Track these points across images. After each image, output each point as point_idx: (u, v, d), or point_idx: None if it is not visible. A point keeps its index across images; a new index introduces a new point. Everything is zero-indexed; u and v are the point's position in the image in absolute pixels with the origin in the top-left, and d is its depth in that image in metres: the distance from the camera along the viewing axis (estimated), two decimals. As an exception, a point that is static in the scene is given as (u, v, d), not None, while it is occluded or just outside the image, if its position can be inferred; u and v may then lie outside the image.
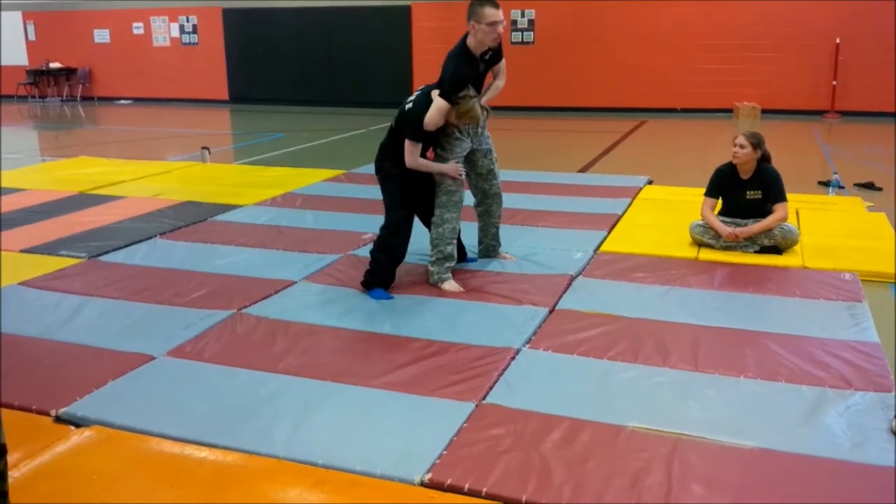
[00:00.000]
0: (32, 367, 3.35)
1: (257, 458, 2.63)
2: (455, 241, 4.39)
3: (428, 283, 4.38)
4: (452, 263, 4.39)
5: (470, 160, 4.53)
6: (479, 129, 4.45)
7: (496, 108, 4.59)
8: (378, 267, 4.27)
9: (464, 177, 4.42)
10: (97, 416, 2.91)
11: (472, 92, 4.18)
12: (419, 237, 4.49)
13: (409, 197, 4.30)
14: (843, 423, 2.81)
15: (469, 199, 4.63)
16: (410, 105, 4.19)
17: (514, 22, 14.05)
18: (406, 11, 14.71)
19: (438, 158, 4.33)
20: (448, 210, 4.34)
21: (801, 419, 2.86)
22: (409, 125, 4.16)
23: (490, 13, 4.11)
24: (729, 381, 3.19)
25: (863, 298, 4.12)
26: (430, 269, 4.38)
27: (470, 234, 4.86)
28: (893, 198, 6.63)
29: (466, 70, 4.19)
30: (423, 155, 4.26)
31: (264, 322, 3.86)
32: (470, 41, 4.22)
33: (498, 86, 4.52)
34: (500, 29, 4.19)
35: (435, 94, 4.15)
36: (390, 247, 4.29)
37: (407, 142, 4.17)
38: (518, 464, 2.57)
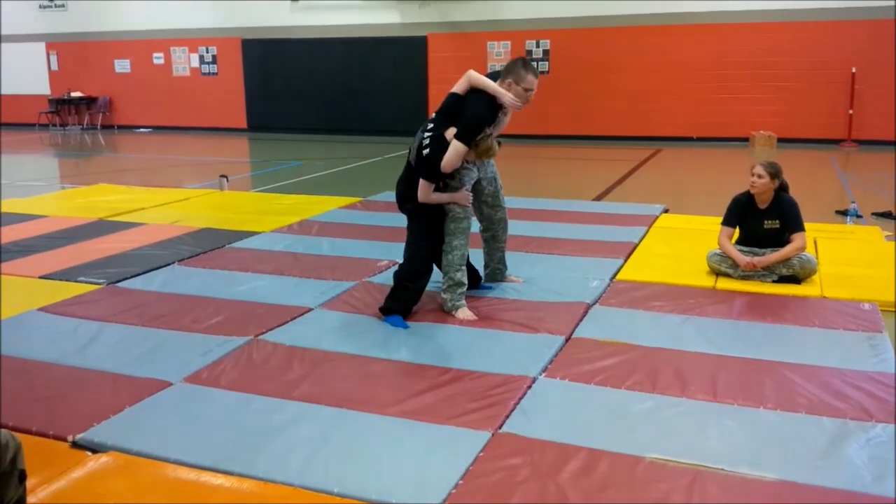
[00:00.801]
0: (50, 393, 3.36)
1: (273, 486, 2.63)
2: (465, 268, 4.41)
3: (442, 311, 4.38)
4: (464, 289, 4.40)
5: (475, 188, 4.59)
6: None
7: (511, 136, 4.63)
8: (404, 295, 4.30)
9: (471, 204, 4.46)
10: (114, 442, 2.92)
11: (488, 131, 4.24)
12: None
13: (435, 228, 4.36)
14: (865, 456, 2.77)
15: (475, 225, 4.65)
16: (427, 151, 4.21)
17: (529, 52, 14.15)
18: (422, 41, 14.87)
19: (447, 188, 4.37)
20: (456, 237, 4.36)
21: (822, 451, 2.82)
22: (425, 167, 4.22)
23: (531, 81, 4.23)
24: (748, 411, 3.15)
25: (882, 329, 4.08)
26: (443, 296, 4.39)
27: (478, 262, 4.86)
28: (912, 227, 6.58)
29: (487, 116, 4.25)
30: (436, 187, 4.31)
31: (280, 349, 3.86)
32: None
33: (505, 122, 4.57)
34: (532, 96, 4.28)
35: (450, 135, 4.18)
36: (419, 275, 4.33)
37: (422, 181, 4.23)
38: (535, 494, 2.55)
